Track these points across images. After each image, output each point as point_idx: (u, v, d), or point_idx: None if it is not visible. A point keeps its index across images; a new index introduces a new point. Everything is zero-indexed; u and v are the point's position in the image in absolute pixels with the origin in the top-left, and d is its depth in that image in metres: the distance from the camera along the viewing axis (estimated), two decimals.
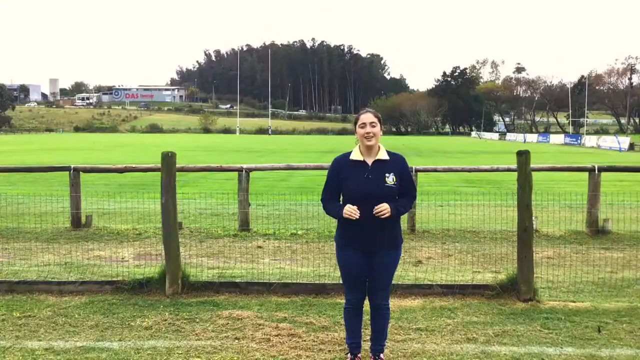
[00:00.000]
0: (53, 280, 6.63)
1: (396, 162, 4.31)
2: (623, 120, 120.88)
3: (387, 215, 4.11)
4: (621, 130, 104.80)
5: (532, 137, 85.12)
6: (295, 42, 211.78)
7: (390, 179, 4.21)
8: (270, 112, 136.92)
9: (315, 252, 8.48)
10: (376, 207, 4.10)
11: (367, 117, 4.27)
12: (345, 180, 4.24)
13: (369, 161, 4.26)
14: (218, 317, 5.61)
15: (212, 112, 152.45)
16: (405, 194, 4.31)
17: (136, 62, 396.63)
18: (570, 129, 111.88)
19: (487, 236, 9.78)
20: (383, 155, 4.29)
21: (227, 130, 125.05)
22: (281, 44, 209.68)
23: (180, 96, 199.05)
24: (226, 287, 6.40)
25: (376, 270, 4.32)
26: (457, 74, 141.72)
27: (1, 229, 10.25)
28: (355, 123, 4.33)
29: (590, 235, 9.83)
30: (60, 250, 8.65)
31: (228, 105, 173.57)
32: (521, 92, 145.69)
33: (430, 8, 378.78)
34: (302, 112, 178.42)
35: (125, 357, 4.65)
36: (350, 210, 4.11)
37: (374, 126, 4.24)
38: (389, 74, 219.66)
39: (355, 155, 4.30)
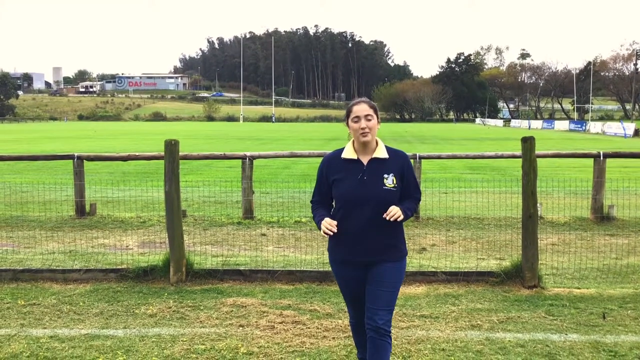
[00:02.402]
0: (58, 268, 6.64)
1: (396, 161, 3.66)
2: (628, 107, 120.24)
3: (400, 218, 3.50)
4: (626, 117, 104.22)
5: (537, 124, 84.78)
6: (299, 29, 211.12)
7: (390, 180, 3.58)
8: (273, 99, 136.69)
9: (319, 240, 8.48)
10: (386, 213, 3.48)
11: (361, 108, 3.61)
12: (336, 182, 3.62)
13: (364, 160, 3.63)
14: (222, 304, 5.61)
15: (215, 99, 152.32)
16: (407, 196, 3.70)
17: (139, 50, 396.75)
18: (575, 115, 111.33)
19: (491, 223, 9.76)
20: (381, 152, 3.65)
21: (230, 118, 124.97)
22: (284, 31, 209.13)
23: (184, 84, 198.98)
24: (230, 274, 6.41)
25: (376, 284, 3.63)
26: (461, 60, 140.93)
27: (6, 217, 10.27)
28: (348, 116, 3.66)
29: (595, 222, 9.80)
30: (64, 239, 8.67)
31: (214, 94, 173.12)
32: (526, 79, 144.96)
33: None
34: (306, 100, 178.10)
35: (130, 345, 4.66)
36: (327, 227, 3.54)
37: (369, 119, 3.59)
38: (392, 60, 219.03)
39: (348, 153, 3.67)
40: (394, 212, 3.49)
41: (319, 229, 3.63)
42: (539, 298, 5.75)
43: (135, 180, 14.93)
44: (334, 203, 3.72)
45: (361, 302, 3.76)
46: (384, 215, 3.49)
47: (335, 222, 3.56)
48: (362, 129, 3.58)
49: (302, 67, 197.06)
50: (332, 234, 3.54)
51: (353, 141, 3.70)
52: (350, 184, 3.58)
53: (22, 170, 18.38)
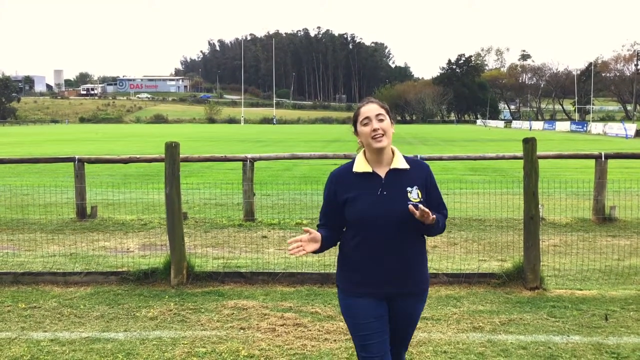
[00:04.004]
0: (58, 271, 6.64)
1: (419, 171, 3.09)
2: (629, 107, 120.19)
3: (431, 219, 2.91)
4: (627, 117, 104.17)
5: (538, 125, 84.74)
6: (299, 31, 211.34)
7: (414, 193, 3.00)
8: (274, 101, 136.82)
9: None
10: (419, 210, 2.86)
11: (370, 109, 3.03)
12: (350, 202, 3.00)
13: (381, 172, 3.03)
14: (223, 307, 5.60)
15: (216, 102, 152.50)
16: (434, 212, 3.05)
17: (140, 53, 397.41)
18: (576, 116, 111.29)
19: (493, 224, 9.74)
20: (400, 162, 3.05)
21: (232, 120, 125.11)
22: (285, 33, 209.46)
23: (185, 86, 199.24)
24: (231, 277, 6.40)
25: (397, 323, 3.11)
26: (462, 61, 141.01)
27: (7, 220, 10.27)
28: (356, 121, 3.08)
29: (596, 223, 9.78)
30: (65, 241, 8.66)
31: (202, 95, 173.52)
32: (526, 80, 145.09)
33: None
34: (307, 102, 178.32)
35: (131, 348, 4.65)
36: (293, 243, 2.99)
37: (381, 120, 3.00)
38: (393, 62, 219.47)
39: (361, 166, 3.05)
40: (427, 211, 2.88)
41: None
42: (540, 300, 5.73)
43: (136, 182, 14.91)
44: (346, 227, 3.12)
45: (385, 340, 3.06)
46: (417, 215, 2.88)
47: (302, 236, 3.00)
48: (375, 130, 2.98)
49: (303, 68, 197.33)
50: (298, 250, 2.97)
51: (364, 151, 3.09)
52: (367, 201, 2.98)
53: (23, 172, 18.38)
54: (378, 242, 2.96)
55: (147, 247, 8.34)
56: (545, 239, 8.39)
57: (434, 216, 2.93)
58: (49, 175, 17.59)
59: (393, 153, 3.08)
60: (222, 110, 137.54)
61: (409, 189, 3.00)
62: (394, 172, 3.03)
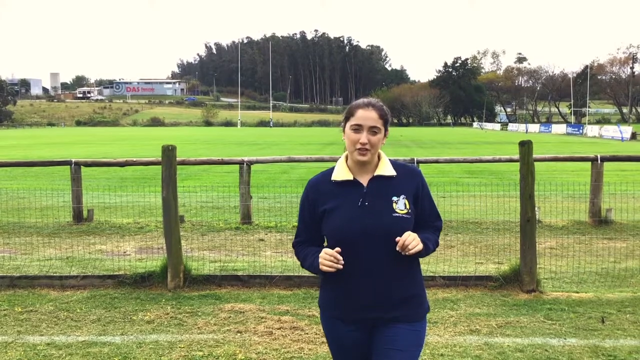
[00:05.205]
0: (55, 274, 6.62)
1: (407, 179, 2.70)
2: (625, 110, 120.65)
3: (418, 250, 2.54)
4: (623, 120, 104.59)
5: (534, 127, 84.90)
6: (296, 33, 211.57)
7: (401, 204, 2.62)
8: (271, 104, 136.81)
9: None
10: (399, 245, 2.52)
11: (367, 115, 2.62)
12: (328, 214, 2.66)
13: (364, 180, 2.67)
14: (220, 310, 5.60)
15: (213, 104, 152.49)
16: (425, 226, 2.73)
17: (137, 56, 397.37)
18: (572, 119, 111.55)
19: (489, 227, 9.76)
20: (386, 169, 2.68)
21: (228, 123, 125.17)
22: (282, 36, 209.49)
23: (182, 89, 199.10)
24: (228, 280, 6.39)
25: (385, 355, 2.63)
26: (458, 64, 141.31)
27: (3, 224, 10.24)
28: (347, 119, 2.68)
29: (593, 225, 9.80)
30: (61, 245, 8.65)
31: (190, 97, 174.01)
32: (523, 82, 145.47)
33: None
34: (304, 105, 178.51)
35: (127, 352, 4.64)
36: (330, 259, 2.56)
37: (374, 133, 2.62)
38: (389, 65, 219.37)
39: (341, 174, 2.69)
40: (410, 240, 2.52)
41: (315, 270, 2.68)
42: (537, 302, 5.74)
43: (133, 185, 14.90)
44: (326, 242, 2.75)
45: None
46: (398, 248, 2.53)
47: (337, 250, 2.56)
48: (363, 144, 2.60)
49: (300, 71, 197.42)
50: (340, 266, 2.55)
51: (346, 156, 2.73)
52: (347, 213, 2.62)
53: (19, 176, 18.34)
54: (361, 260, 2.58)
55: (144, 251, 8.33)
56: (542, 241, 8.41)
57: (420, 247, 2.55)
58: (45, 178, 17.56)
59: (379, 158, 2.72)
60: (218, 113, 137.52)
61: (394, 198, 2.63)
62: (378, 180, 2.66)
